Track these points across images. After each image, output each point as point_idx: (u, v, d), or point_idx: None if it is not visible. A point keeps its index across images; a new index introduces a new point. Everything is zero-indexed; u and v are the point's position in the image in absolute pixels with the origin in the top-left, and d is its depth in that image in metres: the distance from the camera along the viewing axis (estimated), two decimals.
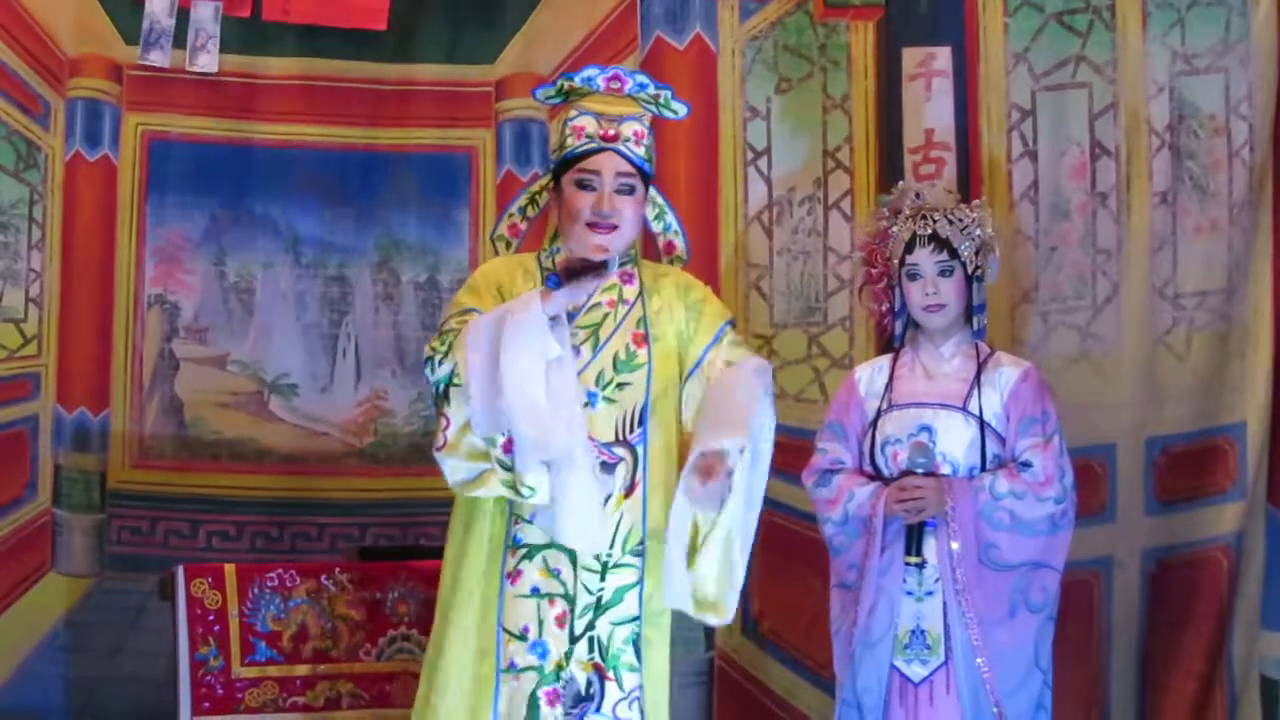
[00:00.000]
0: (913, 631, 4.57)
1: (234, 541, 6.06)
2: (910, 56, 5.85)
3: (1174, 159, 5.50)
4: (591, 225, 3.97)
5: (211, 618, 5.11)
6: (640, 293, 4.08)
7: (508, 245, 4.17)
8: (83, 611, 5.92)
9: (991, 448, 4.61)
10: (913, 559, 4.54)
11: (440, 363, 3.92)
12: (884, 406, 4.70)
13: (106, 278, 6.07)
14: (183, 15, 5.95)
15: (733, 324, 4.21)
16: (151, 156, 6.13)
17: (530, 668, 3.93)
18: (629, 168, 4.00)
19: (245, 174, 6.19)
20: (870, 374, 4.77)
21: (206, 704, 5.07)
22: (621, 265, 4.05)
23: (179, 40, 5.96)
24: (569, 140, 4.00)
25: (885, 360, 4.81)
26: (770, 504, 5.78)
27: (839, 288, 5.89)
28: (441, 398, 3.94)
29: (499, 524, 4.01)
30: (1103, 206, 5.60)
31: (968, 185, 5.64)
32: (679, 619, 5.95)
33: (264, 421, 6.19)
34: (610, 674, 3.96)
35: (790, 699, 5.80)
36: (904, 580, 4.56)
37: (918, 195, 4.77)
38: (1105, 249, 5.60)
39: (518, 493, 3.90)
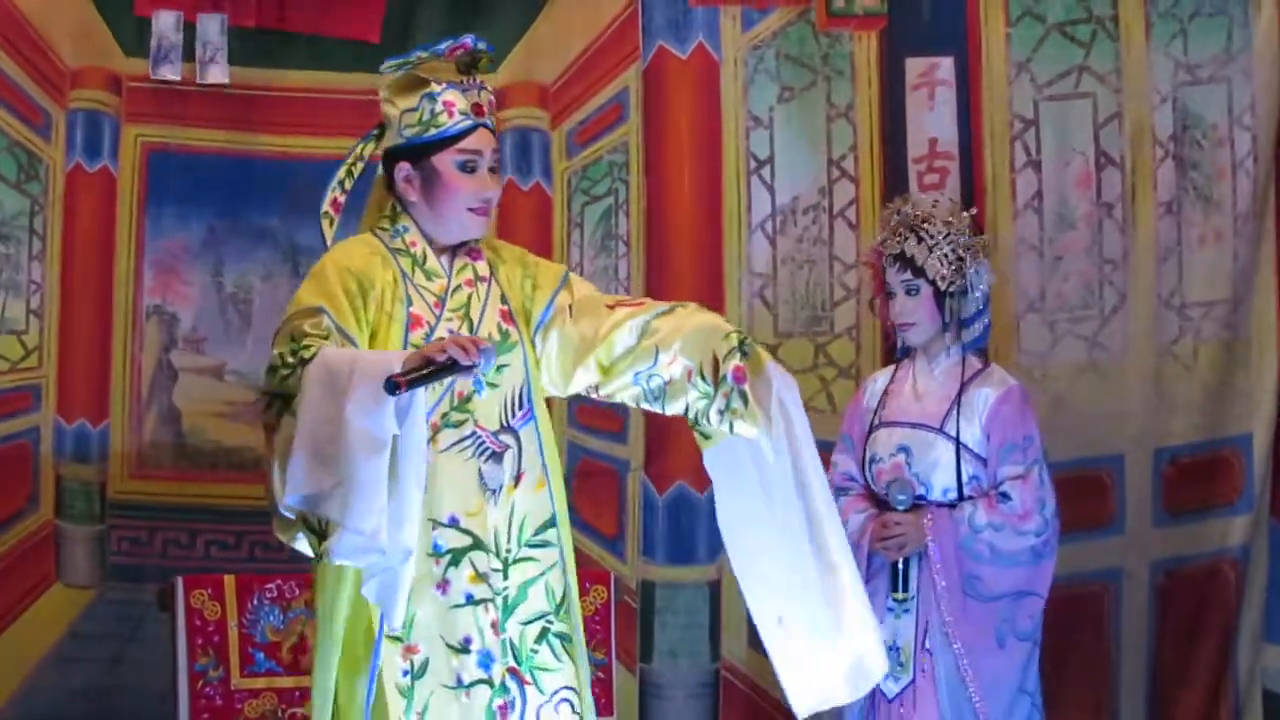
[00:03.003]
0: (889, 648, 4.55)
1: (233, 551, 6.02)
2: (913, 66, 5.85)
3: (1178, 169, 5.52)
4: (474, 209, 3.70)
5: (211, 629, 5.09)
6: (490, 267, 3.79)
7: (331, 222, 3.80)
8: (85, 623, 5.88)
9: (969, 469, 4.57)
10: (899, 595, 4.54)
11: (286, 380, 3.47)
12: (875, 422, 4.69)
13: (105, 289, 6.03)
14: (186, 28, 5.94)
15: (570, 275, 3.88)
16: (150, 168, 6.09)
17: (479, 681, 3.58)
18: (495, 143, 3.74)
19: (244, 185, 6.14)
20: (874, 384, 4.78)
21: (206, 715, 5.06)
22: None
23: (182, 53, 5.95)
24: (440, 117, 3.67)
25: (889, 371, 4.80)
26: None
27: (845, 297, 5.88)
28: (277, 413, 3.47)
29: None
30: (1109, 216, 5.61)
31: (971, 195, 5.64)
32: (679, 628, 5.89)
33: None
34: (528, 678, 3.63)
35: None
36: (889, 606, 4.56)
37: (898, 211, 4.72)
38: (1111, 259, 5.61)
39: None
